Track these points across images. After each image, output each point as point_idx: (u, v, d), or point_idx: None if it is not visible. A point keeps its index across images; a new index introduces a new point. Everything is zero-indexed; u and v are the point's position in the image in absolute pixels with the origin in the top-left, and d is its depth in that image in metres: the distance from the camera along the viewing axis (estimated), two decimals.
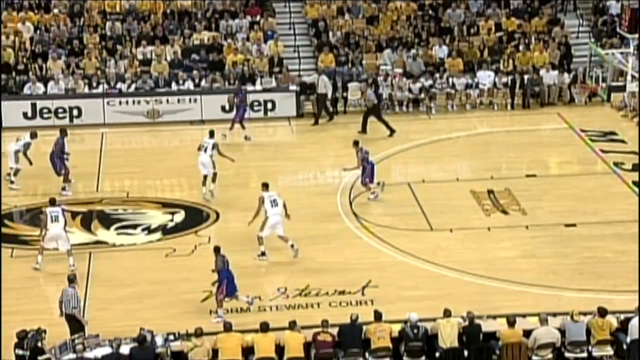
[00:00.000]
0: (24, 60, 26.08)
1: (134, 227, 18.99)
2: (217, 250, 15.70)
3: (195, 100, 25.33)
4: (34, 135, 21.01)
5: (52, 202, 17.52)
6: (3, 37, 26.64)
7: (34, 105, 24.64)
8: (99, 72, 25.91)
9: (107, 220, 19.26)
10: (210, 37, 27.65)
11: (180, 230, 18.88)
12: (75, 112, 24.84)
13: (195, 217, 19.41)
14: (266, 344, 13.76)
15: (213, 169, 20.05)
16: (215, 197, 20.13)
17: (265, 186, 17.74)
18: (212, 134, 20.51)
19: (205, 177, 20.05)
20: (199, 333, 13.81)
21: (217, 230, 18.85)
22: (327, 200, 20.18)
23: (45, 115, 24.60)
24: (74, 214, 19.43)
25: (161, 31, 27.70)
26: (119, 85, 25.63)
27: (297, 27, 28.98)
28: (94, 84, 25.52)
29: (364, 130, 24.13)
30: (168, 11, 28.55)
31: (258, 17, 28.68)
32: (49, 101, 24.73)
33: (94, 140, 23.85)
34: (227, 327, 13.94)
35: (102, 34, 27.46)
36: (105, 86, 25.56)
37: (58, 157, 20.23)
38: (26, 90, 25.10)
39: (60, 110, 24.76)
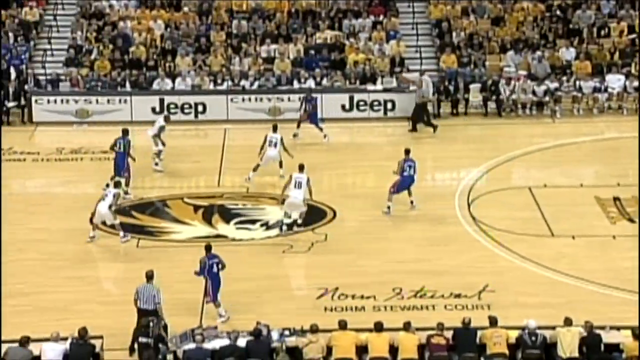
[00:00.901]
0: (154, 56, 26.93)
1: (253, 222, 19.30)
2: (207, 248, 15.52)
3: (315, 99, 25.48)
4: (167, 119, 21.83)
5: (116, 185, 18.73)
6: (136, 34, 27.59)
7: (161, 101, 25.40)
8: (223, 70, 26.49)
9: (227, 215, 19.63)
10: (332, 37, 27.83)
11: (297, 226, 19.05)
12: (200, 108, 25.46)
13: (313, 215, 19.54)
14: (380, 343, 13.73)
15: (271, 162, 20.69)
16: (332, 195, 20.21)
17: (301, 168, 18.33)
18: (275, 128, 21.15)
19: (258, 166, 20.70)
20: (314, 329, 13.91)
21: (333, 228, 18.93)
22: (444, 202, 19.97)
23: (172, 111, 25.29)
24: (196, 207, 19.92)
25: (285, 30, 28.07)
26: (242, 82, 26.13)
27: (420, 28, 28.80)
28: (219, 81, 26.11)
29: (414, 129, 24.17)
30: (293, 10, 28.89)
31: (381, 17, 28.67)
32: (176, 97, 25.45)
33: (217, 136, 24.39)
34: (342, 325, 13.98)
35: (228, 32, 28.05)
36: (230, 83, 26.11)
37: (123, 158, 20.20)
38: (155, 85, 25.92)
39: (186, 106, 25.44)
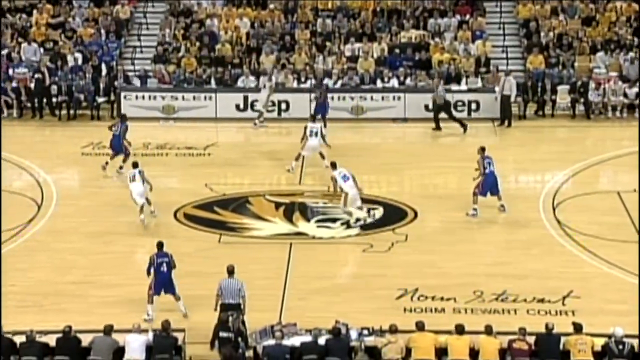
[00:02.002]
0: (239, 54, 27.21)
1: (334, 220, 19.31)
2: (159, 246, 15.54)
3: (399, 98, 25.41)
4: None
5: (135, 165, 19.37)
6: (222, 32, 27.95)
7: (245, 98, 25.64)
8: (307, 68, 26.58)
9: (308, 213, 19.70)
10: (417, 36, 27.64)
11: (378, 226, 19.00)
12: (283, 106, 25.62)
13: (393, 215, 19.46)
14: (460, 346, 13.56)
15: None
16: (413, 196, 20.06)
17: (334, 165, 18.61)
18: (314, 118, 21.87)
19: (300, 155, 21.26)
20: (393, 330, 13.83)
21: (414, 229, 18.79)
22: (528, 205, 19.61)
23: (255, 108, 25.50)
24: (277, 205, 20.04)
25: (369, 28, 28.00)
26: (325, 80, 26.18)
27: (507, 27, 28.35)
28: (302, 79, 26.22)
29: (437, 127, 24.06)
30: (378, 9, 28.80)
31: (467, 16, 28.34)
32: (259, 94, 25.63)
33: (299, 134, 24.43)
34: (420, 327, 13.87)
35: (312, 30, 28.15)
36: (313, 81, 26.19)
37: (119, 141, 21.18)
38: (239, 83, 26.19)
39: (268, 104, 25.59)
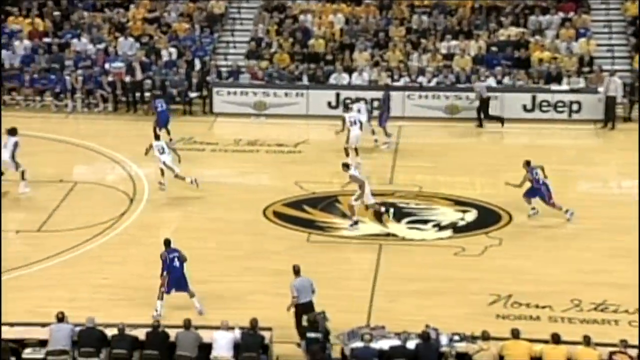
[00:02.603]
0: (333, 50, 27.24)
1: (425, 222, 19.12)
2: (166, 243, 15.53)
3: (495, 98, 24.99)
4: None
5: (157, 138, 20.42)
6: (315, 28, 28.03)
7: (337, 95, 25.67)
8: (401, 65, 26.42)
9: (398, 213, 19.56)
10: (517, 34, 27.13)
11: (471, 229, 18.73)
12: (375, 104, 25.40)
13: (487, 218, 19.15)
14: (556, 356, 13.22)
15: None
16: (508, 199, 19.70)
17: (346, 166, 18.81)
18: (347, 107, 22.26)
19: (356, 149, 21.64)
20: (485, 336, 13.60)
21: (509, 233, 18.45)
22: (628, 211, 19.01)
23: (349, 106, 25.46)
24: (367, 205, 19.92)
25: (467, 25, 27.64)
26: (420, 79, 25.96)
27: (614, 25, 27.56)
28: (396, 77, 26.07)
29: (480, 124, 24.02)
30: (476, 5, 28.41)
31: (571, 14, 27.68)
32: (352, 92, 25.63)
33: (393, 133, 24.34)
34: (515, 334, 13.59)
35: (408, 27, 27.96)
36: (407, 79, 26.01)
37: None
38: (332, 80, 26.22)
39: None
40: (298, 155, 22.91)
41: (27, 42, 27.21)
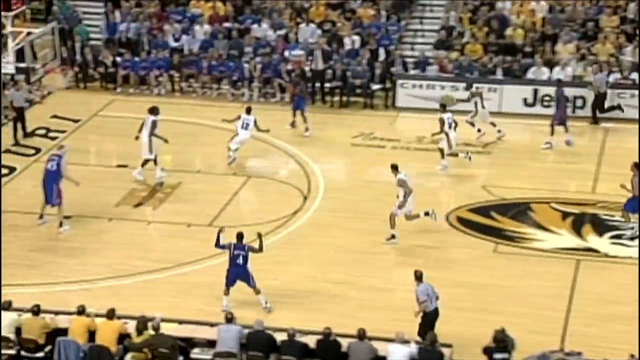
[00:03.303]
0: (532, 42, 26.56)
1: (632, 238, 18.30)
2: (239, 236, 15.92)
3: None
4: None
5: (248, 111, 21.85)
6: (514, 17, 27.45)
7: (535, 92, 25.02)
8: (611, 60, 25.41)
9: (600, 226, 18.87)
10: None
11: None
12: (579, 103, 24.68)
13: None
14: None
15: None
16: None
17: (395, 168, 18.54)
18: (444, 107, 21.71)
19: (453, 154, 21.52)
20: None
21: None
22: None
23: (545, 104, 24.80)
24: (564, 214, 19.36)
25: None
26: (633, 75, 24.88)
27: None
28: (606, 73, 25.05)
29: (595, 121, 23.52)
30: None
31: None
32: (552, 88, 24.87)
33: (595, 135, 23.47)
34: None
35: (622, 16, 26.83)
36: (617, 76, 24.98)
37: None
38: (529, 74, 25.59)
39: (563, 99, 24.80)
40: (487, 156, 22.53)
41: (207, 27, 28.22)
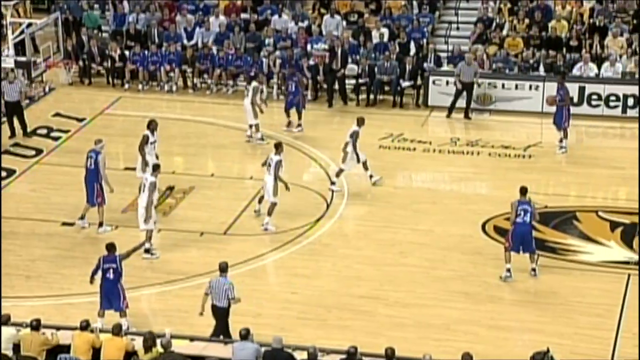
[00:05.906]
0: (579, 35, 26.52)
1: None
2: (108, 247, 15.98)
3: None
4: None
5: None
6: (558, 7, 27.42)
7: (582, 90, 24.96)
8: None
9: None
10: None
11: None
12: (630, 102, 24.62)
13: None
14: None
15: None
16: None
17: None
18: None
19: None
20: None
21: None
22: None
23: (593, 103, 24.76)
24: (613, 225, 19.33)
25: None
26: None
27: None
28: None
29: None
30: None
31: None
32: (600, 86, 24.86)
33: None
34: None
35: None
36: None
37: None
38: (575, 71, 25.55)
39: (612, 98, 24.72)
40: (528, 160, 22.52)
41: (222, 18, 28.32)
